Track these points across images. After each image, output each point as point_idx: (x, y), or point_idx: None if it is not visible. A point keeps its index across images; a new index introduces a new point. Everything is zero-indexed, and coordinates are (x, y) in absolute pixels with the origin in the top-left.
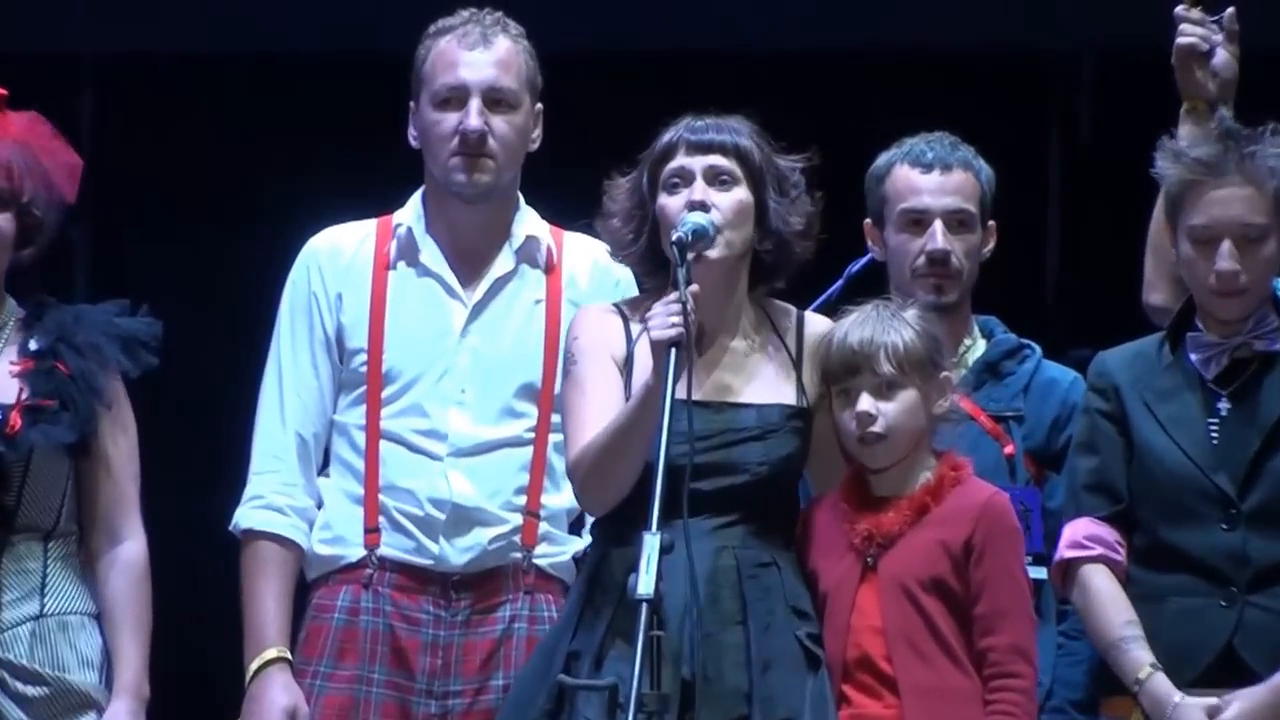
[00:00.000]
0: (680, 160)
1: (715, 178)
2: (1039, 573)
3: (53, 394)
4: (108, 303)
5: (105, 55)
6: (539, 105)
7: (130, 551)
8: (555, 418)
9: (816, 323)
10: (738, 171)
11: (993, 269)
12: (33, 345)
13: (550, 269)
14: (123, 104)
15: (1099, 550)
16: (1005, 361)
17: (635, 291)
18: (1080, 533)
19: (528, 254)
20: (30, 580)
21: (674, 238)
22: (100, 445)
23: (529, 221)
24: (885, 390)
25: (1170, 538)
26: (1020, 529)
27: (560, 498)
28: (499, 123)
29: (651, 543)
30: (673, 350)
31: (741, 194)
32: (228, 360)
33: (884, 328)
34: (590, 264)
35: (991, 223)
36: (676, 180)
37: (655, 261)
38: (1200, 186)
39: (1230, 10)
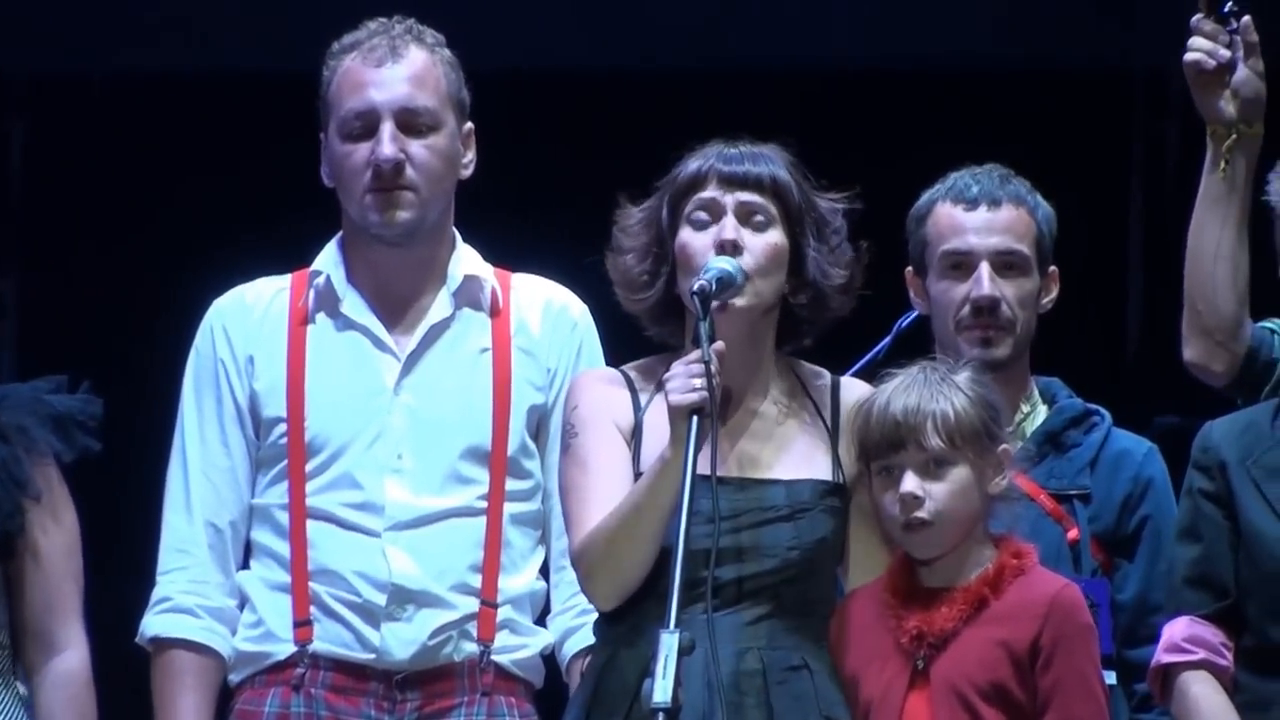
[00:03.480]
0: (710, 192)
1: (748, 216)
2: (1108, 678)
3: None
4: (41, 379)
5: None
6: (469, 125)
7: (68, 663)
8: (511, 484)
9: (854, 388)
10: (774, 210)
11: (1062, 323)
12: None
13: (496, 313)
14: (57, 131)
15: (1201, 654)
16: (1069, 431)
17: (595, 337)
18: (1180, 634)
19: (468, 297)
20: None
21: (695, 286)
22: (28, 542)
23: (467, 260)
24: (934, 468)
25: None
26: (1094, 627)
27: (521, 579)
28: (417, 148)
29: (669, 642)
30: (694, 418)
31: (776, 237)
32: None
33: (932, 394)
34: (543, 305)
35: (1053, 269)
36: (703, 215)
37: (671, 308)
38: None
39: (1245, 19)
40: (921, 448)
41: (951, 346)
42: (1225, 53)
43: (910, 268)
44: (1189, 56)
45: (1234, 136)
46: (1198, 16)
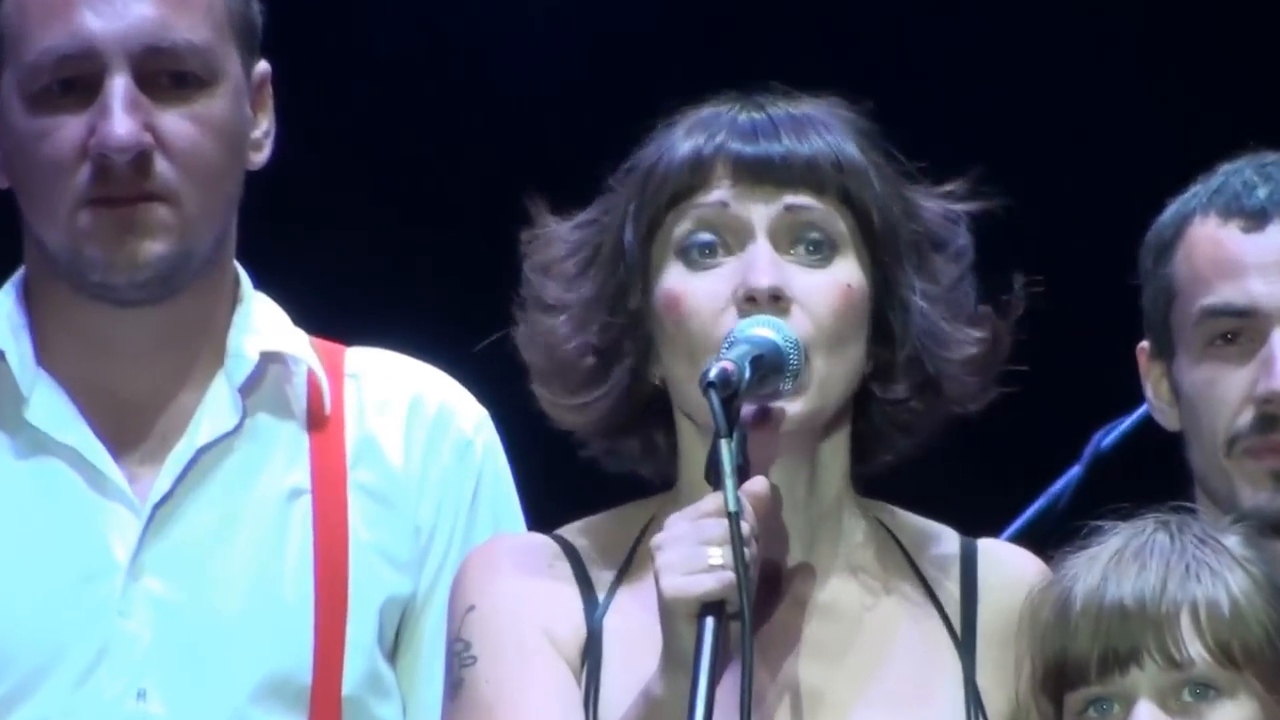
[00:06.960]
0: (719, 193)
1: (798, 238)
2: None
3: None
4: None
5: None
6: (263, 66)
7: None
8: None
9: (1006, 560)
10: (841, 225)
11: None
12: None
13: (319, 422)
14: None
15: None
16: None
17: (503, 466)
18: None
19: (268, 392)
20: None
21: (711, 374)
22: None
23: (264, 324)
24: (1190, 700)
25: None
26: None
27: None
28: (176, 123)
29: None
30: (710, 621)
31: (848, 273)
32: None
33: (1187, 569)
34: (406, 407)
35: None
36: (710, 242)
37: (644, 414)
38: None
39: None
40: (1172, 662)
41: (1216, 483)
42: None
43: (1147, 341)
44: None
45: None
46: None
